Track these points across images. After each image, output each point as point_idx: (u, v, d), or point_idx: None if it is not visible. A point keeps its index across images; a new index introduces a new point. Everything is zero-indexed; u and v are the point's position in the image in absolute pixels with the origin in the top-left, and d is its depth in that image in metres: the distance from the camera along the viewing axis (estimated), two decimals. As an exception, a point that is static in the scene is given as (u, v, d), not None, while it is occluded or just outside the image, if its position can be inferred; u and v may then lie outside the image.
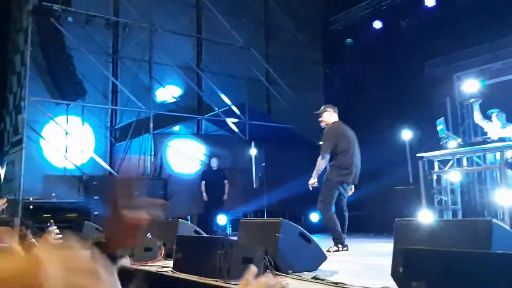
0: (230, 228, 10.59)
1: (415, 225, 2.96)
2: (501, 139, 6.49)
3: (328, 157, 5.90)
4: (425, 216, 7.29)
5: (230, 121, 11.05)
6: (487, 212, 8.56)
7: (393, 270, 2.87)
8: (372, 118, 10.96)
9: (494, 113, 7.35)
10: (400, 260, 2.30)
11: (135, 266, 3.96)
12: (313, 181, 5.91)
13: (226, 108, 11.05)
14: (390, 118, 10.41)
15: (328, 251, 5.10)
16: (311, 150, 11.75)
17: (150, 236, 5.05)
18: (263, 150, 10.91)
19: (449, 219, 3.46)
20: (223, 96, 11.06)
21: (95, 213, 8.42)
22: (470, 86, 8.98)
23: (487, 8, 8.53)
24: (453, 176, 7.47)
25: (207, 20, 11.92)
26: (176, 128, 11.32)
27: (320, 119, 6.18)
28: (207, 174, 9.87)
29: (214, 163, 9.87)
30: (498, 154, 6.60)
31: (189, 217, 9.93)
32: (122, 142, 10.78)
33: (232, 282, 3.06)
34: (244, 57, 11.58)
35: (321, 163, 5.93)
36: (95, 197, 8.76)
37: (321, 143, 6.11)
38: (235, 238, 4.17)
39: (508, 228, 2.52)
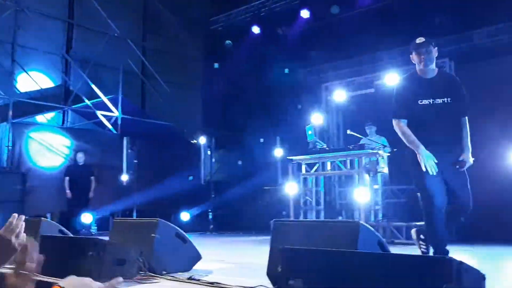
0: (96, 227, 10.04)
1: (291, 225, 3.10)
2: (360, 147, 7.14)
3: None
4: (293, 215, 7.71)
5: (100, 114, 10.47)
6: (344, 212, 9.34)
7: (269, 268, 2.96)
8: (247, 119, 11.28)
9: (367, 126, 8.10)
10: (279, 259, 2.38)
11: None
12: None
13: (98, 100, 10.45)
14: (263, 120, 10.81)
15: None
16: (186, 149, 11.70)
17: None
18: (135, 147, 10.53)
19: (322, 220, 3.70)
20: (94, 87, 10.44)
21: None
22: (338, 96, 9.72)
23: (356, 24, 9.32)
24: (318, 184, 8.04)
25: (81, 4, 11.15)
26: (41, 118, 10.39)
27: (427, 55, 3.70)
28: (72, 169, 9.22)
29: (81, 158, 9.27)
30: (358, 160, 7.24)
31: (49, 215, 9.19)
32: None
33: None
34: (119, 48, 11.08)
35: None
36: None
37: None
38: (105, 238, 3.94)
39: (372, 229, 2.76)
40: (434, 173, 3.51)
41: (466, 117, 3.77)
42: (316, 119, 9.59)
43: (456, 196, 3.62)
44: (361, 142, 7.89)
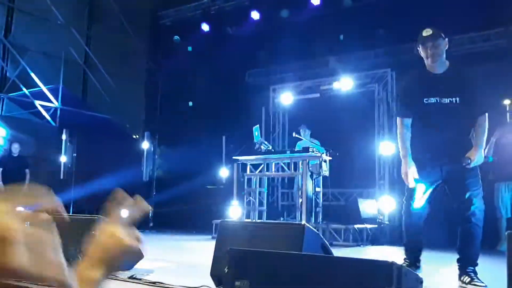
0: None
1: (237, 226, 3.11)
2: (305, 150, 7.28)
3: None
4: (236, 216, 7.73)
5: (39, 104, 10.00)
6: (286, 213, 9.50)
7: (213, 269, 2.95)
8: (192, 117, 11.18)
9: (302, 130, 8.24)
10: (225, 260, 2.38)
11: None
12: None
13: (36, 89, 9.97)
14: (210, 119, 10.76)
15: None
16: (128, 144, 11.43)
17: None
18: (75, 139, 10.14)
19: (268, 222, 3.74)
20: (33, 76, 9.95)
21: None
22: (285, 98, 9.86)
23: (306, 29, 9.49)
24: (262, 185, 8.11)
25: (22, -12, 10.61)
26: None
27: (434, 49, 3.47)
28: (5, 160, 8.75)
29: (16, 149, 8.81)
30: (301, 163, 7.38)
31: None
32: None
33: (39, 284, 2.76)
34: (62, 36, 10.63)
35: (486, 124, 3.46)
36: None
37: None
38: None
39: (316, 232, 2.83)
40: (411, 186, 3.46)
41: (485, 114, 3.41)
42: (264, 118, 9.69)
43: (456, 205, 3.44)
44: (300, 143, 8.06)
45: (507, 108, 8.24)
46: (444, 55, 3.48)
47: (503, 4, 7.99)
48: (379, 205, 8.28)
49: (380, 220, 8.02)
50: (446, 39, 3.50)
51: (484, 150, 3.46)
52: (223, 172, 10.22)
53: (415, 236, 3.68)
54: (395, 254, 5.95)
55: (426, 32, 3.49)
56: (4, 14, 10.57)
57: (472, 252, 3.42)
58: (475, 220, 3.34)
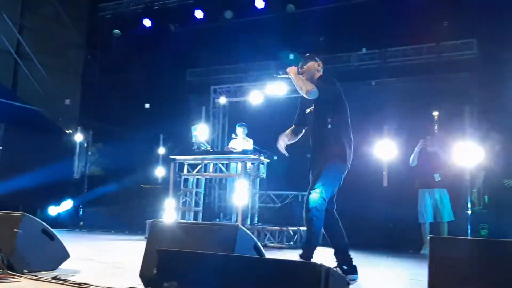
0: None
1: (169, 226, 3.04)
2: (244, 151, 7.30)
3: (317, 94, 3.79)
4: (170, 216, 7.60)
5: (-38, 92, 9.34)
6: (222, 215, 9.47)
7: (142, 269, 2.87)
8: (129, 114, 10.88)
9: (240, 128, 8.22)
10: (154, 261, 2.32)
11: None
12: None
13: (-40, 76, 9.31)
14: (147, 116, 10.53)
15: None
16: (60, 139, 10.92)
17: None
18: (1, 131, 9.56)
19: (201, 222, 3.69)
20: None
21: None
22: (224, 99, 9.85)
23: (248, 32, 9.54)
24: (198, 186, 8.05)
25: None
26: None
27: (302, 70, 3.99)
28: None
29: None
30: (240, 164, 7.39)
31: None
32: None
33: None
34: (-9, 22, 10.00)
35: (310, 88, 3.79)
36: None
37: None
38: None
39: (249, 233, 2.82)
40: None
41: (333, 118, 3.82)
42: (203, 118, 9.62)
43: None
44: (230, 144, 8.08)
45: (435, 119, 8.71)
46: (314, 73, 3.97)
47: (436, 21, 8.46)
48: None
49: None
50: (312, 61, 3.99)
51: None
52: (159, 171, 10.04)
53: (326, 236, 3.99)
54: (327, 256, 6.10)
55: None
56: None
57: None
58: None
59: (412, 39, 8.97)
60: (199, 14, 10.22)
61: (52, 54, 11.20)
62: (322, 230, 3.82)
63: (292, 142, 4.21)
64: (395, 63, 9.37)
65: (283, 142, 4.11)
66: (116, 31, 11.22)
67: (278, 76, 4.22)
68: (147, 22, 10.86)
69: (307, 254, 3.70)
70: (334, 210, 3.92)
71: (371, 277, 4.35)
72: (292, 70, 3.95)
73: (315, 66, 3.99)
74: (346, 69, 9.52)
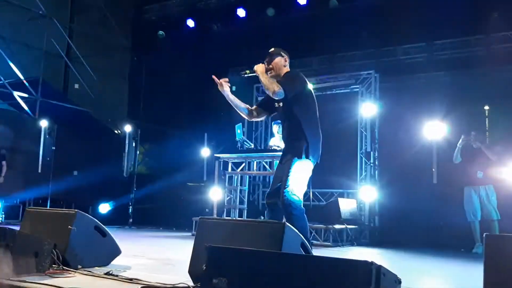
0: (4, 216, 9.38)
1: (217, 223, 3.07)
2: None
3: (283, 95, 3.75)
4: (216, 213, 7.69)
5: (18, 95, 9.79)
6: (267, 213, 9.47)
7: (191, 266, 2.91)
8: (175, 114, 11.09)
9: (276, 125, 8.23)
10: (203, 257, 2.35)
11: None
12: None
13: (15, 80, 9.75)
14: (192, 116, 10.68)
15: None
16: (109, 139, 11.27)
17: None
18: (54, 132, 9.97)
19: (248, 220, 3.71)
20: (12, 66, 9.73)
21: None
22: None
23: (290, 29, 9.49)
24: (243, 184, 8.08)
25: (3, -24, 10.36)
26: None
27: (269, 66, 3.95)
28: (-19, 152, 8.58)
29: (-8, 140, 8.64)
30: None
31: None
32: None
33: (12, 278, 2.69)
34: (43, 27, 10.41)
35: (276, 88, 3.73)
36: None
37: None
38: (15, 228, 3.69)
39: (296, 231, 2.80)
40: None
41: (298, 114, 3.84)
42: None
43: None
44: (270, 142, 8.06)
45: (486, 114, 8.38)
46: (283, 68, 3.97)
47: (484, 12, 8.13)
48: (360, 206, 8.35)
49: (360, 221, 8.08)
50: (279, 57, 3.96)
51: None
52: (204, 169, 10.17)
53: None
54: (375, 255, 5.99)
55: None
56: (-18, 3, 10.32)
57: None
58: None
59: (460, 31, 8.67)
60: (241, 12, 10.27)
61: (100, 56, 11.56)
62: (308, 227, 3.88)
63: (237, 109, 4.18)
64: (442, 56, 9.09)
65: (227, 89, 4.07)
66: (161, 32, 11.46)
67: (245, 75, 4.06)
68: (190, 23, 11.02)
69: None
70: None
71: (423, 273, 4.24)
72: (259, 67, 3.89)
73: (282, 62, 3.97)
74: (392, 64, 9.32)
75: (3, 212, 9.41)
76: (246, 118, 4.24)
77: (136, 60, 12.17)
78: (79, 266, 3.31)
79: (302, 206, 3.77)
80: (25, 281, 2.61)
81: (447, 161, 7.67)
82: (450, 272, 4.99)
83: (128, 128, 11.07)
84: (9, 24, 10.24)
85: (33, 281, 2.63)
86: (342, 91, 9.31)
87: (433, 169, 8.08)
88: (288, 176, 3.70)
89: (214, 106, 10.20)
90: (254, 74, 3.90)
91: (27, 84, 9.77)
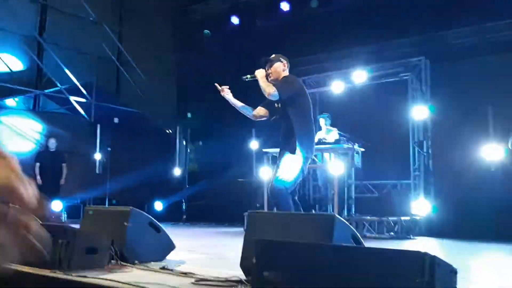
0: (66, 215, 9.85)
1: (266, 217, 3.09)
2: (337, 141, 7.19)
3: (277, 96, 4.21)
4: (266, 207, 7.72)
5: (74, 99, 10.25)
6: (318, 206, 9.42)
7: (243, 260, 2.94)
8: (222, 111, 11.18)
9: (322, 118, 8.15)
10: (253, 251, 2.36)
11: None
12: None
13: (71, 85, 10.22)
14: (239, 112, 10.74)
15: None
16: (160, 138, 11.58)
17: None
18: (109, 134, 10.36)
19: (296, 213, 3.73)
20: (68, 72, 10.19)
21: None
22: (311, 90, 9.73)
23: (333, 19, 9.35)
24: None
25: (54, -14, 10.86)
26: (11, 102, 10.10)
27: (269, 71, 4.38)
28: (43, 155, 9.01)
29: (53, 144, 9.06)
30: (333, 155, 7.28)
31: (17, 202, 8.96)
32: None
33: (73, 274, 2.83)
34: (95, 33, 10.83)
35: (272, 90, 4.20)
36: None
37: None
38: (76, 226, 3.87)
39: (346, 223, 2.77)
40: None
41: (292, 114, 4.18)
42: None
43: None
44: (317, 136, 7.96)
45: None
46: (282, 73, 4.39)
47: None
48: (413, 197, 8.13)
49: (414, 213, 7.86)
50: (277, 62, 4.38)
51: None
52: (254, 165, 10.22)
53: None
54: (430, 246, 5.82)
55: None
56: (38, 12, 10.84)
57: None
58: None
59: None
60: (285, 6, 10.23)
61: (148, 58, 11.88)
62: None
63: (241, 110, 4.67)
64: (495, 39, 8.63)
65: (229, 95, 4.66)
66: (206, 31, 11.61)
67: (246, 79, 4.46)
68: (234, 20, 11.09)
69: None
70: (295, 197, 4.23)
71: (486, 265, 4.08)
72: (260, 72, 4.32)
73: (281, 67, 4.38)
74: (441, 49, 8.97)
75: (65, 212, 9.89)
76: (251, 118, 4.65)
77: (183, 60, 12.40)
78: (136, 261, 3.43)
79: (288, 193, 4.10)
80: (86, 276, 2.72)
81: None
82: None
83: (177, 127, 11.32)
84: (63, 32, 10.72)
85: (94, 276, 2.75)
86: (391, 79, 9.07)
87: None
88: (278, 168, 4.16)
89: (260, 100, 10.24)
90: (255, 78, 4.30)
91: (82, 89, 10.21)
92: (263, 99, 4.47)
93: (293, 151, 4.11)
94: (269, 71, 4.36)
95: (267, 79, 4.32)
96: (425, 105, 8.55)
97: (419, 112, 8.50)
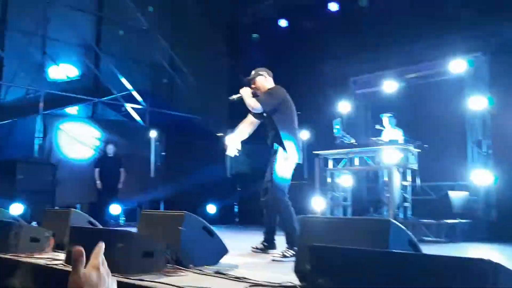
0: (124, 218, 10.20)
1: (319, 221, 3.05)
2: (392, 142, 7.00)
3: (261, 110, 4.63)
4: (319, 212, 7.65)
5: (129, 106, 10.61)
6: (373, 209, 9.21)
7: (296, 265, 2.92)
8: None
9: (385, 118, 7.92)
10: (307, 256, 2.34)
11: (18, 258, 3.60)
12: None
13: (126, 92, 10.59)
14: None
15: (284, 255, 4.32)
16: (212, 142, 11.74)
17: (36, 225, 4.72)
18: (163, 139, 10.64)
19: (351, 217, 3.70)
20: (123, 80, 10.57)
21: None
22: (366, 90, 9.56)
23: (384, 17, 9.13)
24: (345, 180, 7.93)
25: (109, -3, 11.31)
26: (71, 110, 10.59)
27: (253, 86, 4.77)
28: (102, 161, 9.39)
29: (111, 149, 9.42)
30: (388, 156, 7.09)
31: (78, 206, 9.38)
32: (4, 122, 9.80)
33: (131, 277, 2.91)
34: (148, 41, 11.17)
35: (256, 105, 4.62)
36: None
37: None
38: (133, 229, 3.99)
39: (403, 227, 2.69)
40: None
41: (277, 123, 4.60)
42: (344, 111, 9.49)
43: None
44: (382, 136, 7.77)
45: None
46: (265, 85, 4.79)
47: None
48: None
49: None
50: (259, 76, 4.79)
51: None
52: (305, 167, 10.14)
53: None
54: (493, 252, 5.55)
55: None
56: (94, 23, 11.32)
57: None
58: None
59: None
60: (333, 6, 10.12)
61: (199, 63, 12.10)
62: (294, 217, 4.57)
63: (248, 131, 5.12)
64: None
65: (233, 144, 5.09)
66: (255, 35, 11.67)
67: (234, 100, 4.82)
68: (283, 23, 11.09)
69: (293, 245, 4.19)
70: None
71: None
72: (245, 91, 4.65)
73: (263, 80, 4.75)
74: (501, 44, 8.54)
75: (123, 215, 10.23)
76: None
77: (233, 64, 12.53)
78: (191, 265, 3.48)
79: (288, 200, 4.55)
80: (143, 280, 2.79)
81: None
82: None
83: (228, 131, 11.44)
84: (118, 41, 11.14)
85: (151, 280, 2.81)
86: (447, 77, 8.74)
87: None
88: (273, 172, 4.56)
89: (309, 103, 10.16)
90: (241, 97, 4.65)
91: (137, 95, 10.55)
92: None
93: (282, 158, 4.54)
94: (254, 86, 4.73)
95: (256, 94, 4.68)
96: (484, 101, 8.13)
97: (477, 103, 8.00)
